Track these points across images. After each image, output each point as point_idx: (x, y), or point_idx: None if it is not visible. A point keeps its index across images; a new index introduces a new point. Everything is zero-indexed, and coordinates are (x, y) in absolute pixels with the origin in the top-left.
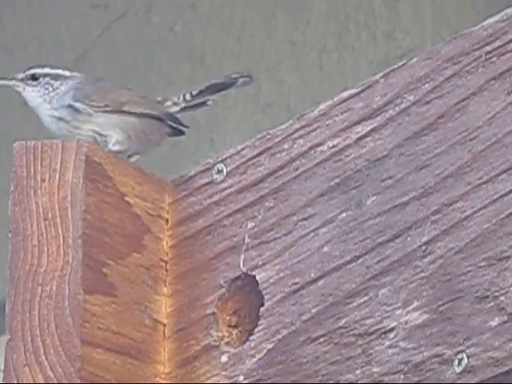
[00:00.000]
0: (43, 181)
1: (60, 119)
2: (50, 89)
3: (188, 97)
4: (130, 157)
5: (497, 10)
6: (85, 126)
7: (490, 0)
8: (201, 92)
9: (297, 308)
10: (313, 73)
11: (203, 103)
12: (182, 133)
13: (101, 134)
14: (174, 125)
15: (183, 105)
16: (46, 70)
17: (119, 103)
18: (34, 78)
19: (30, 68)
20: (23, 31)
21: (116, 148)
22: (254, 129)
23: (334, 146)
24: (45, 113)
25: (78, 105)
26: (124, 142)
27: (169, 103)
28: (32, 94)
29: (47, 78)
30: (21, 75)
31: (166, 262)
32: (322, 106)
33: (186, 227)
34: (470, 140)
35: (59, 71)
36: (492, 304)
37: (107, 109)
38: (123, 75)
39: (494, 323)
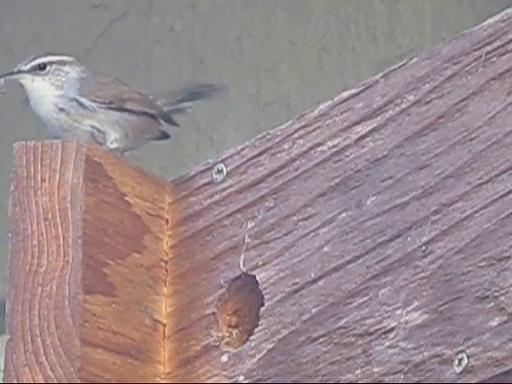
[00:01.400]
0: (43, 181)
1: (62, 110)
2: (62, 74)
3: (173, 100)
4: (122, 153)
5: (497, 9)
6: (85, 121)
7: (490, 0)
8: (183, 98)
9: (297, 308)
10: (313, 73)
11: (184, 109)
12: (167, 136)
13: (99, 130)
14: (167, 123)
15: (170, 107)
16: (50, 58)
17: (121, 100)
18: (41, 67)
19: (34, 59)
20: (23, 31)
21: (114, 146)
22: (253, 129)
23: (334, 146)
24: (50, 101)
25: (84, 100)
26: (122, 139)
27: (158, 103)
28: (42, 83)
29: (55, 65)
30: (26, 67)
31: (166, 262)
32: (321, 106)
33: (186, 227)
34: (470, 140)
35: (60, 57)
36: (492, 304)
37: (111, 106)
38: (123, 75)
39: (494, 323)
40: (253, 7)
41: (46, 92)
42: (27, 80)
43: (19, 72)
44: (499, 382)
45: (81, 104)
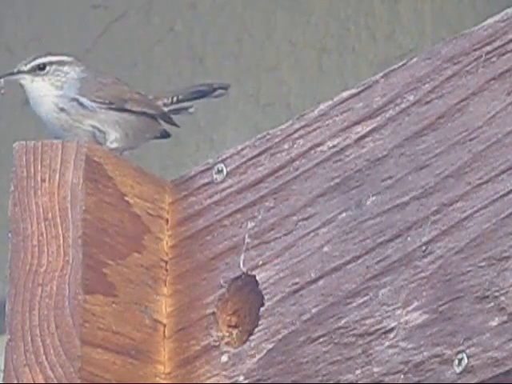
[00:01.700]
0: (43, 181)
1: (62, 110)
2: (62, 75)
3: (175, 99)
4: (122, 152)
5: (497, 9)
6: (86, 121)
7: (490, 0)
8: (184, 98)
9: (297, 308)
10: (313, 73)
11: (185, 109)
12: (168, 135)
13: (100, 130)
14: (167, 124)
15: (172, 107)
16: (49, 58)
17: (122, 101)
18: (41, 67)
19: (34, 59)
20: (23, 31)
21: (114, 146)
22: (253, 129)
23: (334, 146)
24: (51, 101)
25: (84, 100)
26: (122, 139)
27: (159, 103)
28: (42, 84)
29: (54, 66)
30: (26, 67)
31: (166, 262)
32: (322, 106)
33: (185, 227)
34: (470, 140)
35: (60, 58)
36: (492, 304)
37: (112, 106)
38: (123, 75)
39: (494, 323)
40: (253, 7)
41: (45, 92)
42: (27, 80)
43: (19, 72)
44: (499, 382)
45: (81, 104)
